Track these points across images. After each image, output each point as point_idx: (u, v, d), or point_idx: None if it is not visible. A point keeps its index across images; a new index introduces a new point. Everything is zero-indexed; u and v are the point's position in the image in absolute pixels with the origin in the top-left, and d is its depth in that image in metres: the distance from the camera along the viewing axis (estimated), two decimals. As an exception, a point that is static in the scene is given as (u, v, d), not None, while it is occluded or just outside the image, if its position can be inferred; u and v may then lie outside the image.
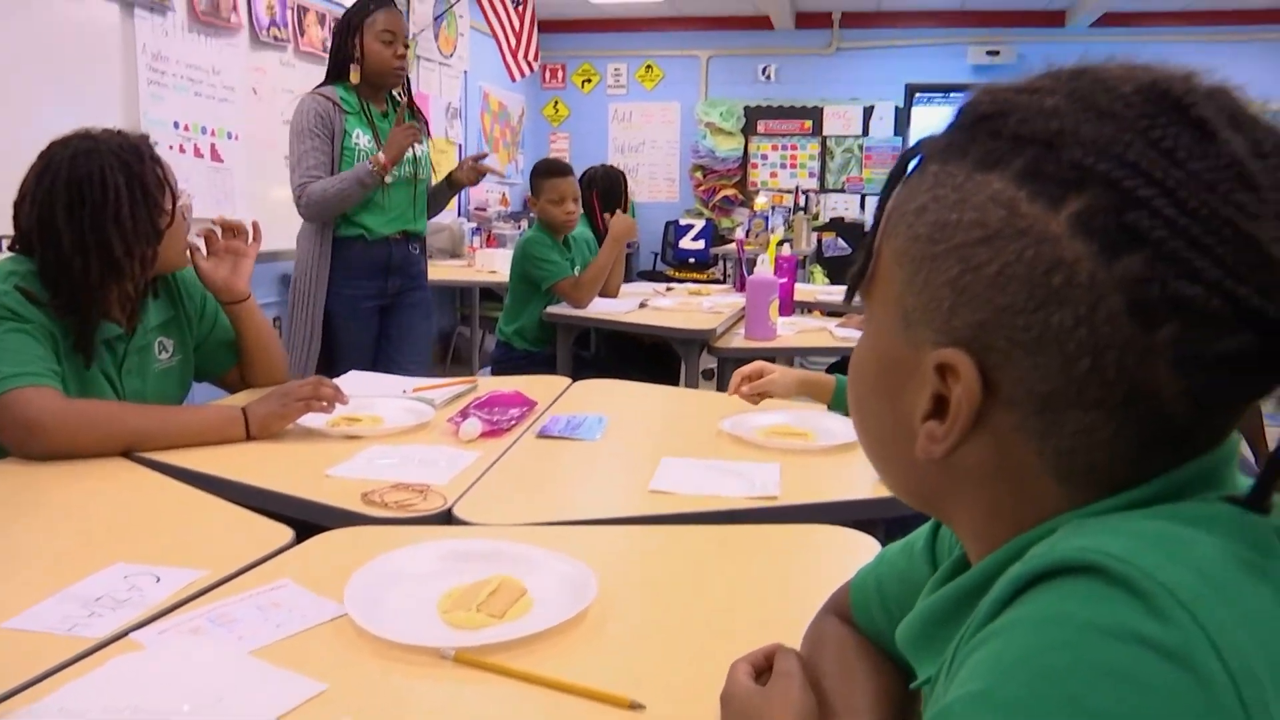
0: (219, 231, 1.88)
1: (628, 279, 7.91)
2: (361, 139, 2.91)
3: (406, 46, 2.94)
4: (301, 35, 4.78)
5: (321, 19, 4.93)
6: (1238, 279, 0.41)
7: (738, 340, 3.09)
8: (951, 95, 7.39)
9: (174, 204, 1.68)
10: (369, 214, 2.95)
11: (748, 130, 7.95)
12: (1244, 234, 0.42)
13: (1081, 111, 0.46)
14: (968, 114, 0.51)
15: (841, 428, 1.69)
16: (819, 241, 7.58)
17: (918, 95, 7.40)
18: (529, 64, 6.08)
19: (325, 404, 1.66)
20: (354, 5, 2.94)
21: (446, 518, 1.28)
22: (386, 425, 1.71)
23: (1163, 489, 0.46)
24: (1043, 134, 0.47)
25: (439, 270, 4.76)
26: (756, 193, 7.88)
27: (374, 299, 3.05)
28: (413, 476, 1.41)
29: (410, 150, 2.95)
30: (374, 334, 3.09)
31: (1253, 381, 0.43)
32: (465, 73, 6.86)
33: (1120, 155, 0.44)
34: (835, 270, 7.08)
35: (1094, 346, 0.44)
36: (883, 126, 7.74)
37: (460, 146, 6.73)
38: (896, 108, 7.60)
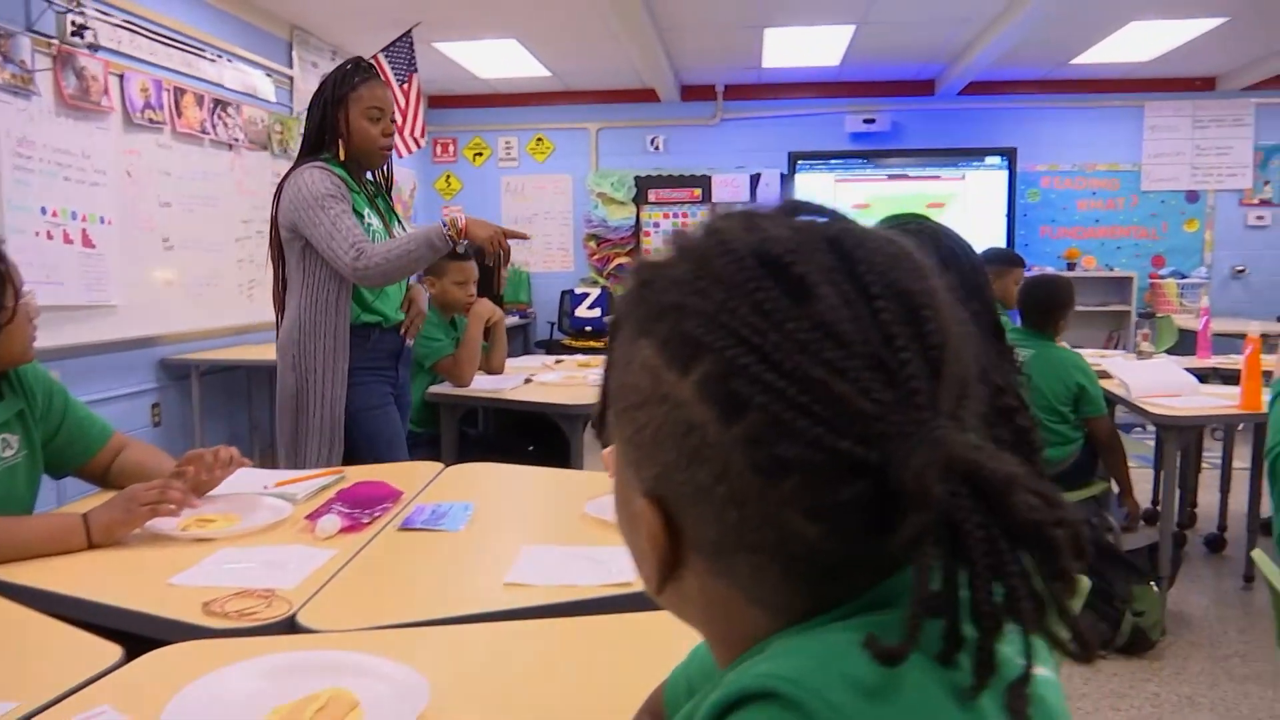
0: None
1: (525, 350, 7.94)
2: (373, 220, 2.62)
3: (394, 123, 2.69)
4: (179, 117, 4.71)
5: (200, 100, 4.87)
6: (837, 434, 0.44)
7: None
8: (832, 162, 7.67)
9: (15, 300, 1.64)
10: (385, 297, 2.66)
11: (639, 199, 8.09)
12: (834, 393, 0.45)
13: (698, 280, 0.49)
14: (633, 280, 0.54)
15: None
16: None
17: (800, 162, 7.66)
18: (415, 141, 6.10)
19: (173, 507, 1.61)
20: (335, 77, 2.61)
21: (290, 626, 1.25)
22: (241, 525, 1.67)
23: (872, 599, 0.48)
24: (671, 304, 0.50)
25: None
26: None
27: (392, 391, 2.75)
28: (260, 581, 1.37)
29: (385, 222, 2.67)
30: (398, 426, 2.76)
31: (892, 517, 0.45)
32: (353, 149, 6.84)
33: (726, 324, 0.47)
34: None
35: (736, 499, 0.47)
36: (769, 193, 7.96)
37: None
38: (782, 175, 7.84)
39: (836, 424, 0.44)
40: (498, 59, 6.80)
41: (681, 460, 0.48)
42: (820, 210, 0.52)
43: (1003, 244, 7.27)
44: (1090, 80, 7.53)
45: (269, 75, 5.69)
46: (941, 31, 6.34)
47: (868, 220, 0.54)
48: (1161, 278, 7.59)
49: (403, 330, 2.74)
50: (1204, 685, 2.86)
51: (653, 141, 8.12)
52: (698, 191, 8.07)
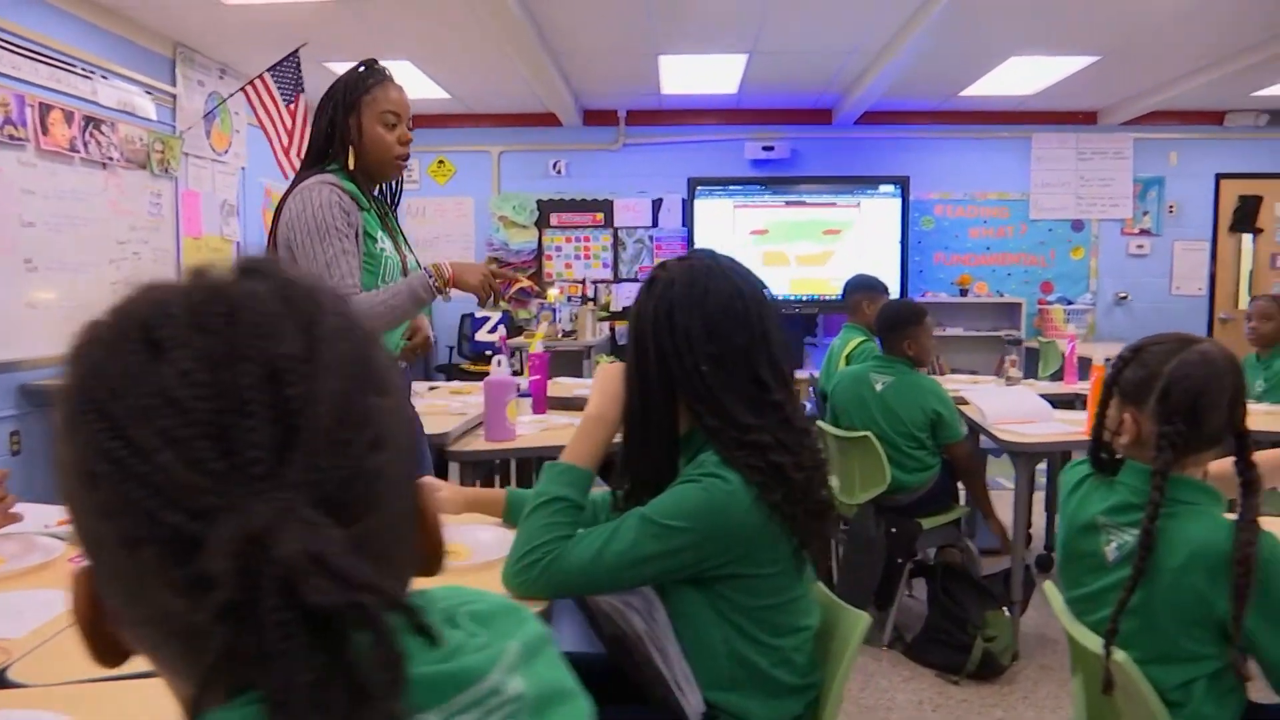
0: None
1: (425, 375, 7.82)
2: (385, 243, 2.38)
3: (410, 130, 2.42)
4: (44, 134, 4.55)
5: (69, 117, 4.72)
6: (168, 506, 0.42)
7: (478, 442, 3.06)
8: (731, 188, 7.74)
9: None
10: (391, 330, 2.41)
11: (541, 223, 8.07)
12: (161, 463, 0.43)
13: (88, 343, 0.48)
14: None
15: (494, 540, 1.68)
16: (611, 330, 7.71)
17: (700, 188, 7.72)
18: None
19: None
20: (347, 80, 2.36)
21: None
22: (4, 568, 1.58)
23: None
24: (75, 372, 0.49)
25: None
26: (551, 284, 7.97)
27: None
28: (-6, 629, 1.29)
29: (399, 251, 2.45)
30: None
31: None
32: (243, 169, 6.70)
33: (89, 391, 0.45)
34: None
35: (112, 571, 0.45)
36: (671, 218, 8.01)
37: (237, 245, 6.53)
38: (683, 200, 7.90)
39: (167, 495, 0.42)
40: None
41: (76, 532, 0.46)
42: (275, 270, 0.50)
43: (897, 271, 7.42)
44: (979, 112, 7.75)
45: (149, 93, 5.54)
46: (833, 61, 6.46)
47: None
48: (1049, 304, 7.81)
49: (404, 356, 2.55)
50: (1048, 708, 2.91)
51: (555, 165, 8.11)
52: (600, 215, 8.09)
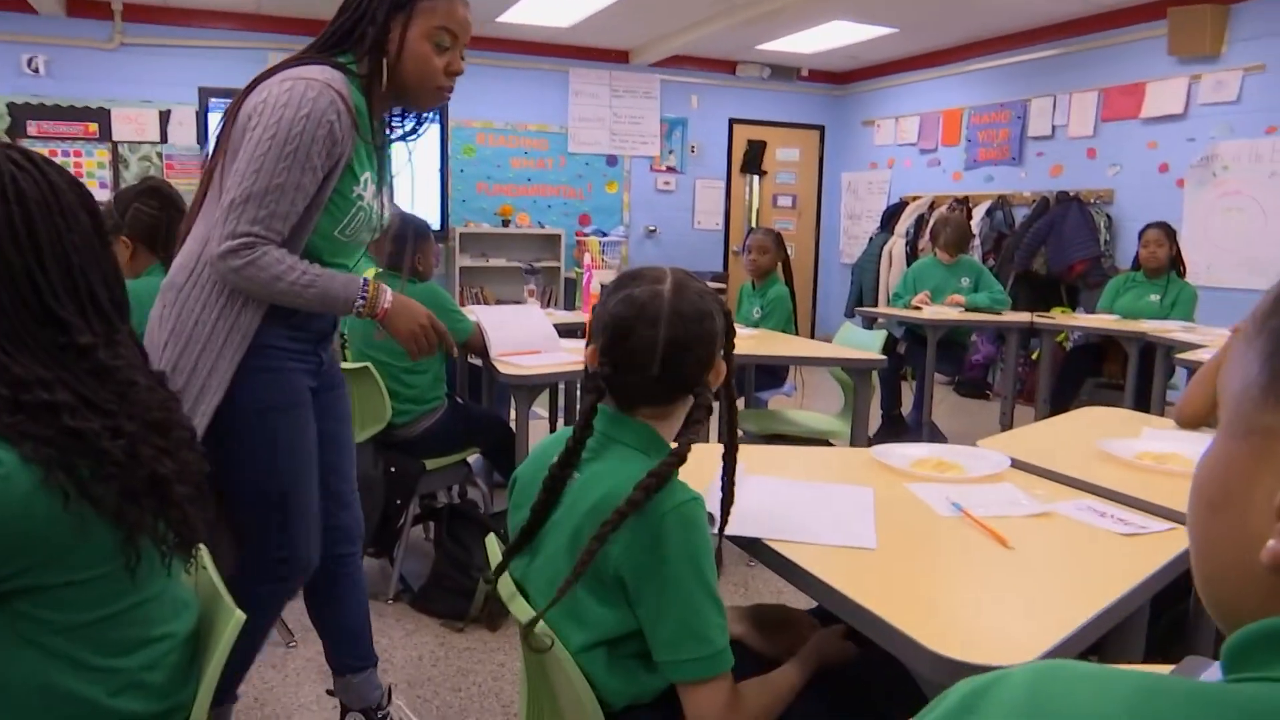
0: None
1: None
2: (364, 191, 1.80)
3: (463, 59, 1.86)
4: None
5: None
6: None
7: None
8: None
9: None
10: (345, 252, 1.85)
11: (14, 131, 6.71)
12: None
13: None
14: None
15: None
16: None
17: (213, 100, 6.84)
18: None
19: None
20: None
21: None
22: None
23: None
24: None
25: None
26: (33, 205, 6.68)
27: (312, 386, 1.89)
28: None
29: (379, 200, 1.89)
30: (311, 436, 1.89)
31: None
32: None
33: None
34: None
35: None
36: (184, 133, 7.05)
37: None
38: (197, 113, 6.98)
39: None
40: None
41: None
42: None
43: (438, 199, 7.19)
44: (519, 41, 7.69)
45: None
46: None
47: None
48: (586, 236, 8.06)
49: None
50: (550, 643, 2.87)
51: (30, 62, 6.75)
52: (94, 126, 6.92)
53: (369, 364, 3.02)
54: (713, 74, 8.49)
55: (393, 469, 3.06)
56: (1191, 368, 3.45)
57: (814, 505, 1.51)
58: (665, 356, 1.23)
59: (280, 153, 1.64)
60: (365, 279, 1.80)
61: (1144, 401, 4.52)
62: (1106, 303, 5.12)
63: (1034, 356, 6.43)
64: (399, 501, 3.06)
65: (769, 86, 8.72)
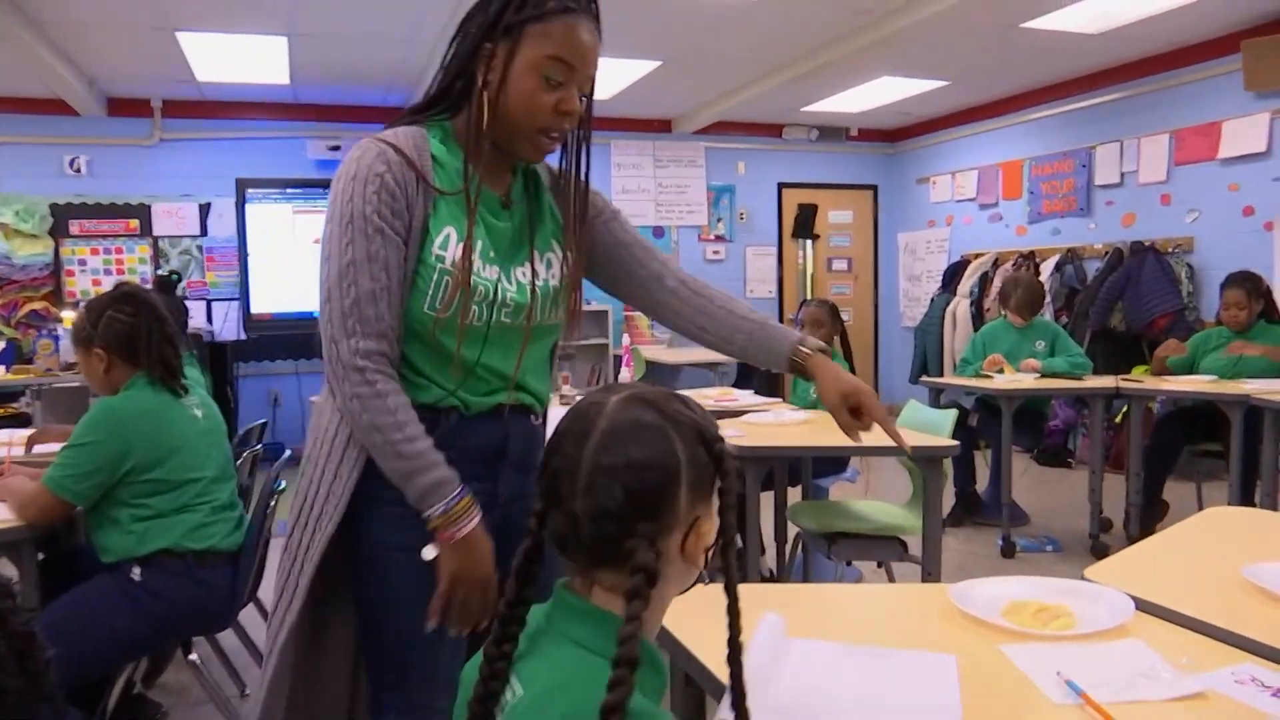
0: None
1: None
2: (451, 247, 1.40)
3: (586, 98, 1.45)
4: None
5: None
6: None
7: None
8: (290, 191, 6.86)
9: None
10: (441, 366, 1.43)
11: (57, 231, 6.70)
12: None
13: None
14: None
15: None
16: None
17: (250, 191, 6.75)
18: None
19: None
20: None
21: None
22: None
23: None
24: None
25: None
26: (76, 304, 6.63)
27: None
28: None
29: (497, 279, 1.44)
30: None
31: None
32: None
33: None
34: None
35: None
36: (223, 225, 6.99)
37: None
38: (236, 205, 6.92)
39: None
40: None
41: None
42: None
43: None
44: (558, 116, 7.54)
45: None
46: (387, 51, 5.86)
47: None
48: (634, 311, 7.77)
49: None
50: None
51: (72, 163, 6.77)
52: (134, 222, 6.89)
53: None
54: (759, 138, 8.25)
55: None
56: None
57: (877, 690, 1.14)
58: (589, 485, 0.86)
59: (340, 228, 1.36)
60: (464, 490, 1.36)
61: (1253, 471, 4.03)
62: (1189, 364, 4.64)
63: (1117, 420, 5.93)
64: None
65: (817, 148, 8.45)
